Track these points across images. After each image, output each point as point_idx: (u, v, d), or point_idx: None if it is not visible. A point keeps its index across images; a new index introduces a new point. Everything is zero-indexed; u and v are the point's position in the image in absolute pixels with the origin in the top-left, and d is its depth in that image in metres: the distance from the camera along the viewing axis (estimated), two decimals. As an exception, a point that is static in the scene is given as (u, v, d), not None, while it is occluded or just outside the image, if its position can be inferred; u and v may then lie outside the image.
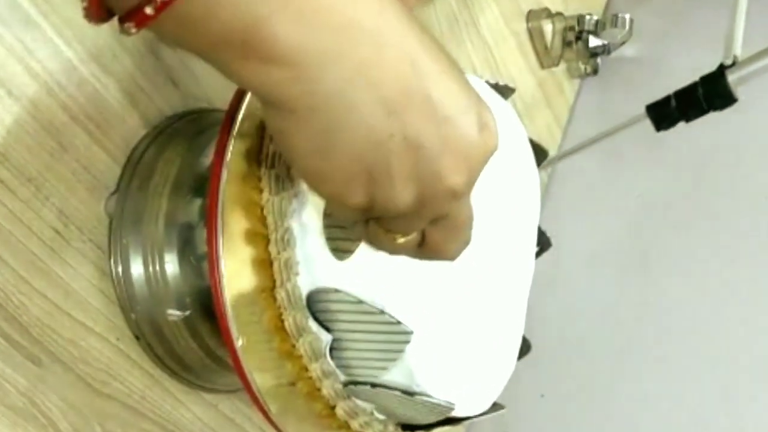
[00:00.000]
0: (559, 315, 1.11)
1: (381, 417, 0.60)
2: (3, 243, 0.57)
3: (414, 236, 0.45)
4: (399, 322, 0.52)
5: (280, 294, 0.53)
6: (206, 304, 0.62)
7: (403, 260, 0.53)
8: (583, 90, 1.34)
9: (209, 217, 0.51)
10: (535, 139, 0.72)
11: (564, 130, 1.29)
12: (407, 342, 0.52)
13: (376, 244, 0.47)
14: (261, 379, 0.52)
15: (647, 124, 0.94)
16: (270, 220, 0.53)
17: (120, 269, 0.64)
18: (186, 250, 0.63)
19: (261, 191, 0.53)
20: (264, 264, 0.53)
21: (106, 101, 0.64)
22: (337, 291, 0.53)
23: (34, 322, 0.59)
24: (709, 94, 0.84)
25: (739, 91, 0.84)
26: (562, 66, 1.29)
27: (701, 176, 1.10)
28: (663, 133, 0.98)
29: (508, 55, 1.17)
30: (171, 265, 0.63)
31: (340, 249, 0.53)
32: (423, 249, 0.47)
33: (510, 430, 1.07)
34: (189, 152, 0.66)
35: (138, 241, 0.64)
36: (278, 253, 0.53)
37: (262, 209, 0.53)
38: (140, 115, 0.67)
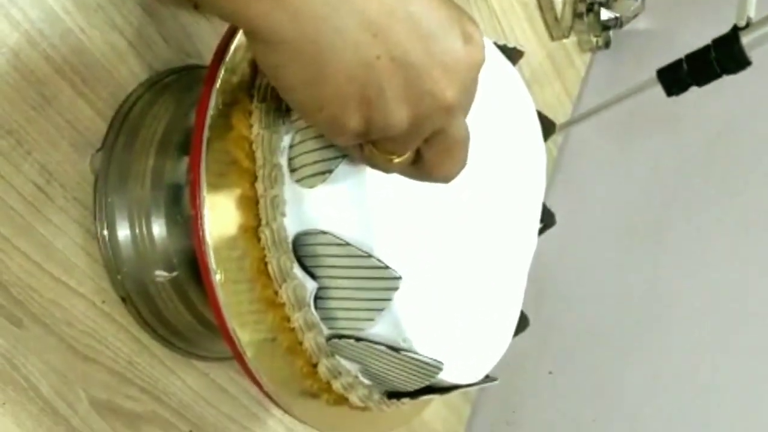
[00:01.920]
0: (568, 290, 1.08)
1: (366, 382, 0.57)
2: (-20, 197, 0.55)
3: (409, 155, 0.45)
4: (387, 267, 0.49)
5: (265, 233, 0.50)
6: (194, 265, 0.59)
7: (399, 207, 0.51)
8: (594, 63, 1.31)
9: (194, 142, 0.49)
10: (544, 111, 0.69)
11: (575, 104, 1.26)
12: (395, 288, 0.49)
13: (371, 165, 0.47)
14: (240, 333, 0.50)
15: (660, 94, 0.91)
16: (259, 155, 0.51)
17: (105, 229, 0.61)
18: (173, 209, 0.61)
19: (251, 126, 0.51)
20: (250, 202, 0.51)
21: (91, 54, 0.61)
22: (324, 233, 0.50)
23: (15, 281, 0.56)
24: (722, 57, 0.81)
25: (752, 54, 0.81)
26: (573, 38, 1.26)
27: (715, 147, 1.07)
28: (676, 104, 0.95)
29: (517, 25, 1.14)
30: (158, 224, 0.61)
31: (305, 177, 0.50)
32: (418, 168, 0.46)
33: (517, 407, 1.04)
34: (178, 109, 0.63)
35: (124, 200, 0.61)
36: (265, 190, 0.50)
37: (251, 144, 0.51)
38: (128, 71, 0.64)
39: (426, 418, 0.97)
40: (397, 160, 0.45)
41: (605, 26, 1.26)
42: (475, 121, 0.60)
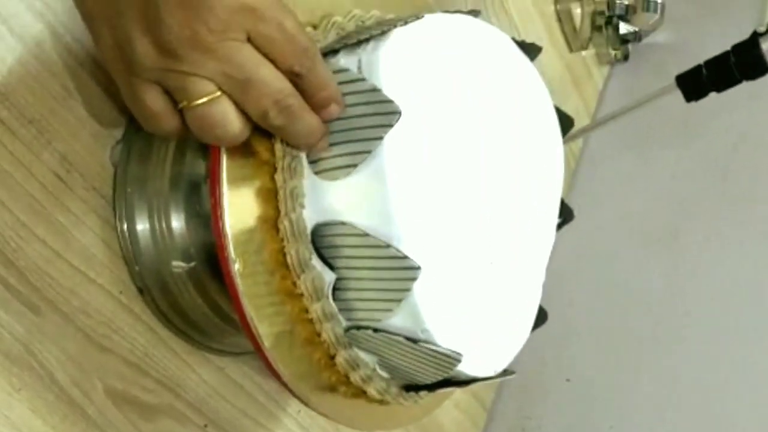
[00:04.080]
0: (585, 296, 1.08)
1: (384, 374, 0.57)
2: (0, 184, 0.55)
3: (205, 102, 0.46)
4: (406, 257, 0.49)
5: (284, 224, 0.51)
6: (212, 257, 0.60)
7: (419, 198, 0.51)
8: (613, 76, 1.31)
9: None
10: (562, 124, 0.69)
11: (593, 117, 1.26)
12: (414, 279, 0.49)
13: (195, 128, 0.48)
14: (258, 324, 0.50)
15: (678, 103, 0.91)
16: (278, 146, 0.51)
17: (124, 220, 0.62)
18: (193, 201, 0.61)
19: None
20: (269, 194, 0.51)
21: (113, 47, 0.62)
22: (343, 224, 0.50)
23: (33, 268, 0.57)
24: (741, 63, 0.81)
25: (773, 60, 0.81)
26: (591, 50, 1.26)
27: (732, 157, 1.07)
28: (693, 114, 0.95)
29: (535, 37, 1.14)
30: (177, 216, 0.61)
31: (326, 170, 0.51)
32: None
33: (534, 413, 1.04)
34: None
35: (143, 192, 0.62)
36: (284, 181, 0.51)
37: (271, 136, 0.51)
38: (149, 65, 0.64)
39: (441, 424, 0.97)
40: (183, 105, 0.46)
41: (624, 39, 1.26)
42: (493, 116, 0.60)
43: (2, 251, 0.55)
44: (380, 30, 0.52)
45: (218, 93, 0.45)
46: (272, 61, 0.46)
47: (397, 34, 0.52)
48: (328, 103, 0.49)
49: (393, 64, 0.51)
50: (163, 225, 0.61)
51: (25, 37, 0.57)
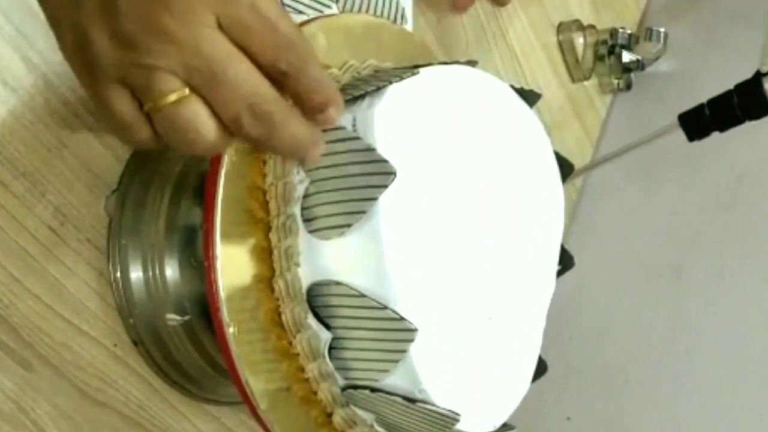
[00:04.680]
0: (586, 335, 1.07)
1: (382, 431, 0.56)
2: (-7, 239, 0.55)
3: (169, 103, 0.40)
4: (403, 319, 0.48)
5: (279, 284, 0.50)
6: (206, 310, 0.59)
7: (415, 257, 0.50)
8: (615, 105, 1.30)
9: (208, 194, 0.49)
10: (564, 153, 0.69)
11: (595, 147, 1.25)
12: (411, 340, 0.48)
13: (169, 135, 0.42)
14: (254, 383, 0.49)
15: (681, 138, 0.90)
16: (272, 205, 0.51)
17: (118, 271, 0.61)
18: (187, 252, 0.61)
19: (265, 175, 0.51)
20: (264, 253, 0.51)
21: (108, 97, 0.61)
22: (338, 284, 0.49)
23: (25, 324, 0.56)
24: (744, 103, 0.80)
25: (776, 100, 0.80)
26: (594, 80, 1.25)
27: (736, 191, 1.06)
28: (696, 148, 0.94)
29: (537, 67, 1.14)
30: (171, 267, 0.61)
31: (321, 229, 0.50)
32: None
33: (534, 454, 1.02)
34: (193, 152, 0.63)
35: (137, 242, 0.61)
36: (279, 240, 0.50)
37: (265, 194, 0.51)
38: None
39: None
40: (149, 106, 0.40)
41: (626, 68, 1.25)
42: (493, 164, 0.59)
43: (-6, 308, 0.54)
44: (375, 86, 0.51)
45: (186, 92, 0.40)
46: (251, 55, 0.40)
47: (393, 90, 0.51)
48: (325, 107, 0.42)
49: (388, 122, 0.50)
50: (158, 275, 0.61)
51: (18, 88, 0.57)
